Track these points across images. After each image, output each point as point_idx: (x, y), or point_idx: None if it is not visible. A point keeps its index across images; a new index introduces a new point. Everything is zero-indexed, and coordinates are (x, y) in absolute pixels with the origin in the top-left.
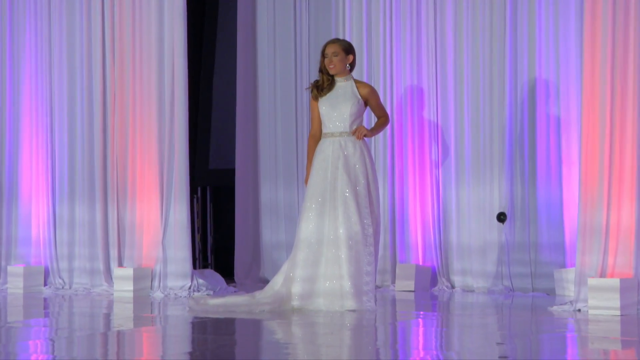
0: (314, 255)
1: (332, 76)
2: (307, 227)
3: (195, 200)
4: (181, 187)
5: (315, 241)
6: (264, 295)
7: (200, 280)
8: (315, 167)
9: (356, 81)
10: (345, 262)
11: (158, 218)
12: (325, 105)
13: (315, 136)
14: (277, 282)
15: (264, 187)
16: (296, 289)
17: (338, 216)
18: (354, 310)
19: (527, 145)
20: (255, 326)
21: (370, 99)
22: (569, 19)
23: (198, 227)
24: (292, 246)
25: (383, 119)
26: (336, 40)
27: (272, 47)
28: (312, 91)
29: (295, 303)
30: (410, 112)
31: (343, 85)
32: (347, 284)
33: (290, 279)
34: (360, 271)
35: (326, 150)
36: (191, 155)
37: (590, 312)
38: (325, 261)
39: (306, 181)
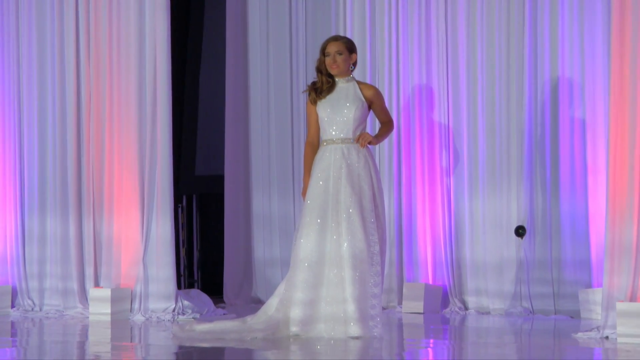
0: (315, 277)
1: (332, 77)
2: (307, 245)
3: (180, 210)
4: (164, 198)
5: (316, 261)
6: (256, 321)
7: (186, 302)
8: (314, 178)
9: (359, 82)
10: (349, 283)
11: (138, 232)
12: (325, 109)
13: (313, 144)
14: (271, 306)
15: (256, 196)
16: (295, 313)
17: (341, 232)
18: (358, 337)
19: (548, 151)
20: (246, 357)
21: (374, 102)
22: (595, 13)
23: (183, 240)
24: (287, 263)
25: (388, 124)
26: (339, 38)
27: (265, 41)
28: (309, 94)
29: (295, 329)
30: (418, 114)
31: (345, 87)
32: (351, 308)
33: (288, 303)
34: (366, 294)
35: (327, 158)
36: (175, 160)
37: (619, 340)
38: (327, 283)
39: (304, 193)
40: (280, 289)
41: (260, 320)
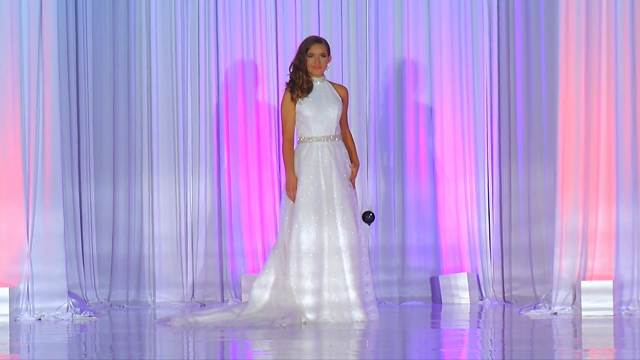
0: (319, 267)
1: (308, 76)
2: (309, 238)
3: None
4: (54, 188)
5: (318, 252)
6: (250, 312)
7: (73, 300)
8: (304, 174)
9: (331, 82)
10: (348, 272)
11: (22, 226)
12: (309, 107)
13: (292, 140)
14: (260, 297)
15: None
16: (308, 301)
17: (337, 226)
18: (362, 321)
19: (393, 137)
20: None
21: (344, 102)
22: None
23: None
24: None
25: (351, 136)
26: (321, 39)
27: None
28: (292, 91)
29: (309, 316)
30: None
31: (321, 87)
32: (352, 295)
33: (299, 292)
34: (362, 282)
35: (315, 155)
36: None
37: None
38: (328, 273)
39: (289, 189)
40: (266, 280)
41: (257, 310)
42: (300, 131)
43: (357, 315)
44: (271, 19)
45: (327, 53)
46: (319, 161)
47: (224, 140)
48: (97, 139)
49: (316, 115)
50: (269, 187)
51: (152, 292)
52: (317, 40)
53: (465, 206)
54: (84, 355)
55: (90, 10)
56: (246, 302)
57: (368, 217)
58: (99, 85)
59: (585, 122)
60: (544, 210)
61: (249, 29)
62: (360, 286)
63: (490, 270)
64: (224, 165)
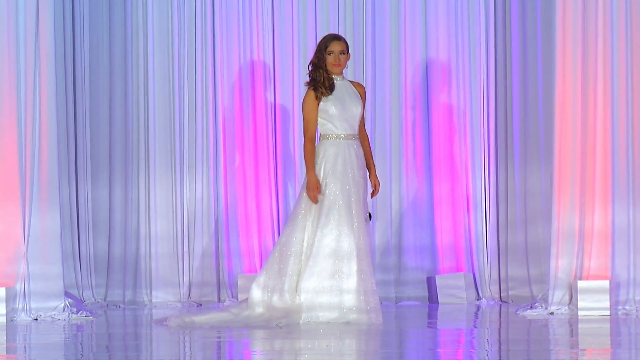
0: (323, 267)
1: (329, 74)
2: (328, 238)
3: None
4: (51, 187)
5: (330, 252)
6: (250, 313)
7: (70, 300)
8: (333, 173)
9: (350, 81)
10: (355, 275)
11: (19, 226)
12: (334, 105)
13: (314, 140)
14: (257, 297)
15: None
16: (314, 301)
17: (352, 226)
18: (369, 324)
19: (389, 137)
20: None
21: (363, 100)
22: None
23: None
24: None
25: (367, 137)
26: (340, 37)
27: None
28: (316, 89)
29: (304, 315)
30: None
31: (342, 85)
32: (360, 299)
33: (302, 291)
34: (368, 285)
35: (343, 153)
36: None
37: (579, 314)
38: (331, 274)
39: (314, 189)
40: (265, 280)
41: (259, 312)
42: (325, 129)
43: (361, 318)
44: (268, 18)
45: (346, 50)
46: (346, 160)
47: (220, 140)
48: (94, 138)
49: (341, 114)
50: (266, 187)
51: (148, 292)
52: (336, 37)
53: (462, 206)
54: (81, 355)
55: (87, 10)
56: (244, 302)
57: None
58: (96, 85)
59: (582, 122)
60: (540, 210)
61: (245, 28)
62: (367, 290)
63: (486, 270)
64: (221, 165)
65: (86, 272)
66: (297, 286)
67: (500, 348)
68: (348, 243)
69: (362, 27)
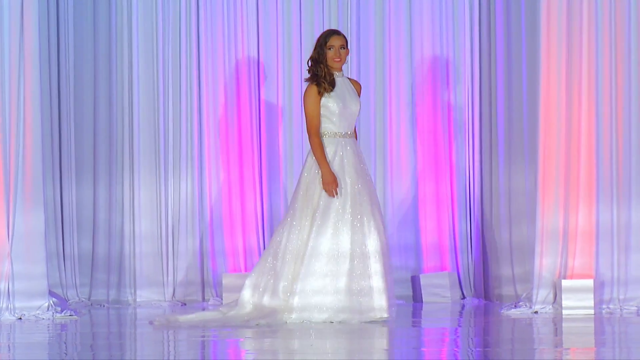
0: (318, 267)
1: (329, 70)
2: (325, 239)
3: None
4: (35, 186)
5: (325, 252)
6: (239, 312)
7: (54, 299)
8: (337, 172)
9: (348, 78)
10: (381, 274)
11: (3, 225)
12: (336, 102)
13: (319, 135)
14: (247, 297)
15: None
16: (303, 301)
17: (370, 226)
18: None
19: (374, 137)
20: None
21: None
22: None
23: None
24: None
25: (356, 135)
26: (339, 32)
27: None
28: (319, 85)
29: (295, 315)
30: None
31: (342, 82)
32: (343, 299)
33: (292, 291)
34: (357, 285)
35: (341, 153)
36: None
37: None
38: (324, 274)
39: (332, 182)
40: (256, 280)
41: (247, 311)
42: (323, 127)
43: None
44: (252, 18)
45: (345, 45)
46: (343, 159)
47: (205, 139)
48: (78, 138)
49: (342, 111)
50: (250, 186)
51: (133, 291)
52: (335, 32)
53: (447, 205)
54: (65, 355)
55: (72, 10)
56: (234, 302)
57: None
58: (80, 84)
59: (566, 122)
60: (524, 209)
61: (230, 28)
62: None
63: (471, 269)
64: (205, 165)
65: (70, 271)
66: (292, 286)
67: (484, 347)
68: (343, 242)
69: (346, 26)
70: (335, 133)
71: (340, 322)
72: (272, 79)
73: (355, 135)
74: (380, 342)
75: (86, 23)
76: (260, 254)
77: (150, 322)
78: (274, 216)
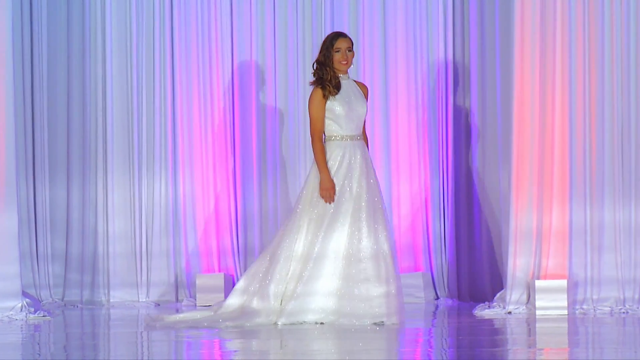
0: (339, 270)
1: (335, 72)
2: (344, 240)
3: None
4: (9, 187)
5: (337, 256)
6: (225, 311)
7: (27, 300)
8: (339, 176)
9: (355, 80)
10: (392, 277)
11: None
12: (341, 105)
13: (322, 139)
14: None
15: None
16: (297, 305)
17: (377, 230)
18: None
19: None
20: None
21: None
22: None
23: None
24: None
25: (367, 138)
26: (346, 35)
27: None
28: (324, 88)
29: (285, 319)
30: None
31: (347, 84)
32: (334, 302)
33: (285, 295)
34: (349, 290)
35: (348, 155)
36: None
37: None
38: (352, 279)
39: (330, 188)
40: (245, 284)
41: (230, 310)
42: (330, 130)
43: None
44: (226, 18)
45: (352, 47)
46: (351, 162)
47: (178, 139)
48: (52, 138)
49: (348, 113)
50: (224, 187)
51: (106, 291)
52: (341, 34)
53: (420, 205)
54: (38, 355)
55: (45, 10)
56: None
57: None
58: (54, 84)
59: (540, 122)
60: (498, 210)
61: (204, 28)
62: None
63: (445, 269)
64: (179, 165)
65: (44, 271)
66: (286, 290)
67: (458, 348)
68: (348, 246)
69: (320, 27)
70: (343, 136)
71: (339, 324)
72: (246, 80)
73: (365, 138)
74: (352, 344)
75: (60, 23)
76: (233, 255)
77: (147, 325)
78: (247, 217)
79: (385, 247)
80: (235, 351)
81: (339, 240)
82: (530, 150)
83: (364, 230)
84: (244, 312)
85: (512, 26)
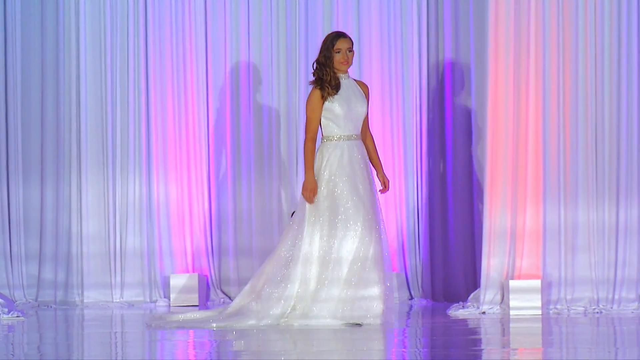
0: (333, 273)
1: (335, 73)
2: (346, 243)
3: None
4: None
5: (342, 258)
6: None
7: (1, 300)
8: (343, 174)
9: (355, 80)
10: (378, 280)
11: None
12: (340, 105)
13: (315, 140)
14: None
15: None
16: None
17: (370, 232)
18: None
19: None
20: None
21: (367, 101)
22: None
23: None
24: None
25: (372, 137)
26: (346, 35)
27: None
28: (323, 89)
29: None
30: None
31: (347, 84)
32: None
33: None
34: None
35: (347, 155)
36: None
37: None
38: (346, 281)
39: (312, 190)
40: (251, 286)
41: (230, 311)
42: (328, 131)
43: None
44: (201, 18)
45: (352, 47)
46: (352, 160)
47: (152, 139)
48: (26, 138)
49: (347, 113)
50: (199, 187)
51: (80, 292)
52: (342, 34)
53: (395, 206)
54: (12, 356)
55: (19, 9)
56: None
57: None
58: (28, 84)
59: (514, 123)
60: (472, 210)
61: (178, 28)
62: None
63: (419, 269)
64: (153, 165)
65: (17, 272)
66: (289, 292)
67: (432, 348)
68: (342, 248)
69: (295, 28)
70: (340, 136)
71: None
72: (220, 79)
73: (371, 137)
74: (324, 344)
75: (34, 22)
76: (207, 255)
77: (148, 325)
78: (221, 217)
79: (374, 249)
80: (209, 352)
81: (329, 242)
82: (504, 151)
83: (357, 232)
84: (239, 312)
85: (486, 27)
